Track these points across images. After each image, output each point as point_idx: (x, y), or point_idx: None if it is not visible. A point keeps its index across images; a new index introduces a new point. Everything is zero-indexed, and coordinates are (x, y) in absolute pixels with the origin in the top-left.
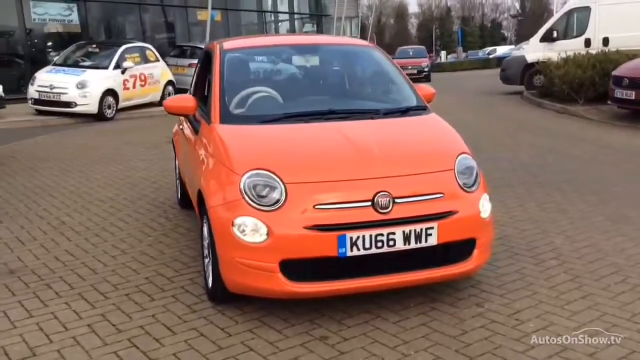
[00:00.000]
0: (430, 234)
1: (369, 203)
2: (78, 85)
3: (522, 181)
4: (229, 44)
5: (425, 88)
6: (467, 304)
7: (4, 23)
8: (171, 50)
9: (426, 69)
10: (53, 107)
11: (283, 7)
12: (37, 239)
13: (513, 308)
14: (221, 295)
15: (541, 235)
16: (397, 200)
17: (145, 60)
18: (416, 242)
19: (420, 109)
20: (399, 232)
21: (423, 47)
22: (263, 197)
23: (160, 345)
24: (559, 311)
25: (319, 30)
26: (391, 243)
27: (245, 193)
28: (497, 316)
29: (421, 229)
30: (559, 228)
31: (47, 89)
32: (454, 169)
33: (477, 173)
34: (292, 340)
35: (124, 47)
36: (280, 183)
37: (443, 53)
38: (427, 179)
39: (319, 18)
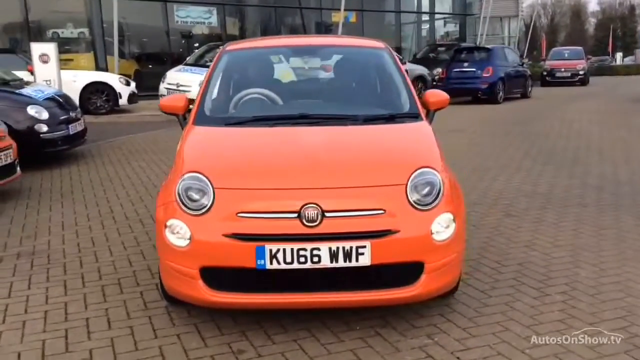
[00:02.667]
0: (362, 253)
1: (296, 215)
2: (200, 84)
3: (599, 202)
4: (235, 44)
5: (435, 94)
6: (417, 334)
7: (152, 24)
8: None
9: (582, 72)
10: None
11: (424, 6)
12: (77, 225)
13: (464, 345)
14: (167, 295)
15: (569, 265)
16: (327, 214)
17: None
18: (345, 261)
19: (408, 117)
20: (324, 248)
21: (581, 48)
22: (194, 201)
23: (87, 339)
24: None
25: (462, 32)
26: (315, 259)
27: (179, 195)
28: (437, 352)
29: (351, 247)
30: (597, 258)
31: (174, 87)
32: (406, 184)
33: (439, 190)
34: (206, 350)
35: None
36: (211, 188)
37: (619, 55)
38: (366, 193)
39: (462, 18)
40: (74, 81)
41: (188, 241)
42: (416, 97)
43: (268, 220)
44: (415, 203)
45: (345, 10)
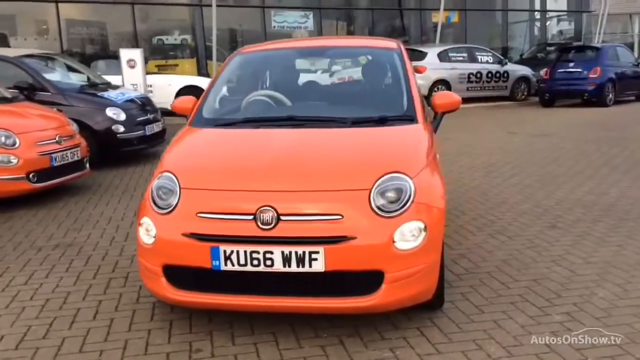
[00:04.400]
0: (316, 259)
1: (251, 217)
2: None
3: None
4: (250, 47)
5: (444, 96)
6: (381, 346)
7: (251, 29)
8: None
9: None
10: None
11: (536, 4)
12: (122, 220)
13: None
14: None
15: (590, 283)
16: (282, 217)
17: (356, 64)
18: (298, 266)
19: (402, 119)
20: (277, 251)
21: None
22: (163, 200)
23: (67, 329)
24: None
25: (577, 30)
26: (268, 262)
27: (151, 194)
28: None
29: (304, 252)
30: (627, 278)
31: None
32: (370, 189)
33: (408, 197)
34: (166, 346)
35: None
36: (178, 187)
37: None
38: (325, 197)
39: (578, 15)
40: (169, 85)
41: (154, 239)
42: (417, 100)
43: (225, 221)
44: (379, 209)
45: (446, 10)
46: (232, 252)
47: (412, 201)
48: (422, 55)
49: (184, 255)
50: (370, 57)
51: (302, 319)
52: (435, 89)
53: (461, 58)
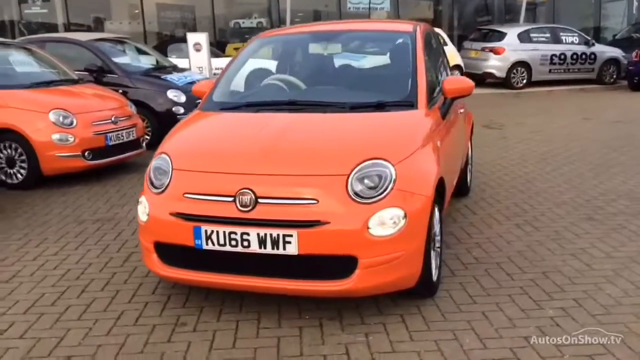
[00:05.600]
0: (290, 242)
1: (232, 199)
2: None
3: None
4: (270, 32)
5: (454, 81)
6: (358, 330)
7: (326, 11)
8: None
9: None
10: None
11: None
12: None
13: (393, 349)
14: None
15: (601, 279)
16: (260, 200)
17: None
18: (273, 248)
19: (401, 105)
20: (253, 233)
21: None
22: (159, 180)
23: (75, 297)
24: None
25: None
26: (245, 244)
27: (149, 174)
28: (358, 350)
29: (278, 235)
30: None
31: None
32: (349, 175)
33: (388, 183)
34: (156, 319)
35: None
36: (171, 168)
37: None
38: (303, 181)
39: None
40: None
41: (147, 217)
42: (421, 85)
43: (207, 202)
44: (357, 195)
45: None
46: (212, 232)
47: (392, 188)
48: (501, 36)
49: (171, 234)
50: (383, 41)
51: (290, 300)
52: (514, 71)
53: (544, 39)
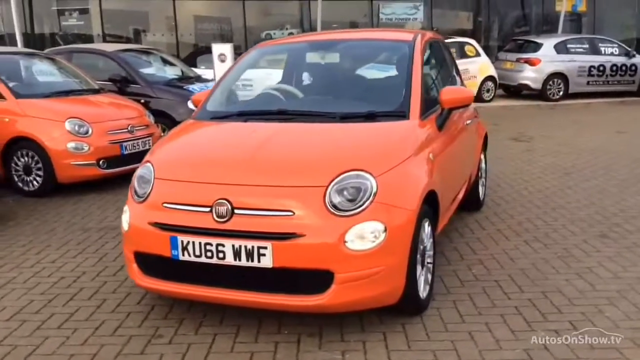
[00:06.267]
0: (264, 255)
1: (208, 209)
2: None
3: None
4: (268, 42)
5: (451, 91)
6: (335, 347)
7: (359, 21)
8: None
9: None
10: None
11: None
12: None
13: None
14: None
15: (603, 300)
16: (236, 210)
17: (462, 55)
18: (248, 260)
19: (392, 115)
20: (228, 245)
21: None
22: (142, 189)
23: (60, 306)
24: None
25: None
26: (221, 255)
27: (133, 183)
28: None
29: (253, 247)
30: None
31: None
32: (327, 187)
33: (368, 196)
34: (134, 329)
35: None
36: (153, 177)
37: None
38: (279, 193)
39: None
40: (269, 78)
41: (127, 226)
42: (415, 95)
43: (185, 212)
44: (335, 207)
45: None
46: (188, 242)
47: (372, 201)
48: (537, 47)
49: (149, 244)
50: (380, 51)
51: (272, 314)
52: (550, 82)
53: (581, 50)
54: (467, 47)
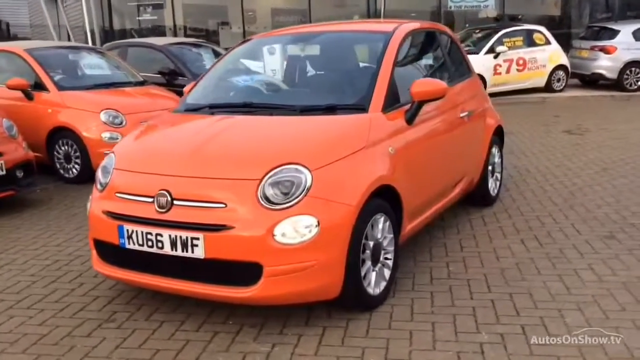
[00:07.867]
0: (197, 245)
1: (152, 200)
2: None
3: None
4: (260, 35)
5: (422, 84)
6: (270, 340)
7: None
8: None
9: None
10: None
11: None
12: None
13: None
14: None
15: (571, 305)
16: (175, 201)
17: (530, 43)
18: (183, 250)
19: (351, 108)
20: (166, 234)
21: None
22: (104, 178)
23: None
24: None
25: None
26: (159, 245)
27: (98, 173)
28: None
29: (187, 238)
30: (621, 303)
31: None
32: (261, 180)
33: (302, 189)
34: (91, 313)
35: (503, 31)
36: (112, 167)
37: None
38: (214, 185)
39: None
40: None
41: (89, 214)
42: (380, 89)
43: (132, 202)
44: (267, 200)
45: None
46: (132, 231)
47: (305, 195)
48: (613, 34)
49: (103, 231)
50: (356, 42)
51: (225, 304)
52: (628, 71)
53: None
54: (535, 35)
